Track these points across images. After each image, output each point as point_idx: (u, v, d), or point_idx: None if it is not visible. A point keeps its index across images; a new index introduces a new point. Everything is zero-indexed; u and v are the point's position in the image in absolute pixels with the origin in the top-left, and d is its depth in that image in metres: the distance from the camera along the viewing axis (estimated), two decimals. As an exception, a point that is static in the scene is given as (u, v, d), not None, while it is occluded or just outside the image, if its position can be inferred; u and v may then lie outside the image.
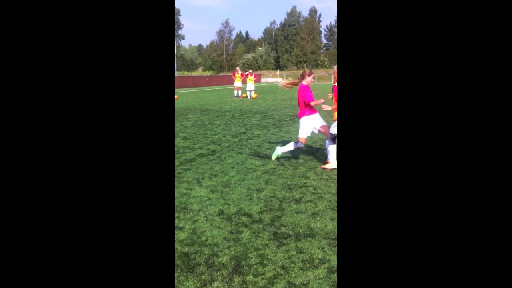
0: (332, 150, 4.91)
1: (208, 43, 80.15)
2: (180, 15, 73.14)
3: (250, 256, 2.56)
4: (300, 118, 5.10)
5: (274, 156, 5.28)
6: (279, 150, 5.25)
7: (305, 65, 67.19)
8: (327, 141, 4.97)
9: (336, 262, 2.47)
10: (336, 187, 4.15)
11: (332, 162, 4.91)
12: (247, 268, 2.40)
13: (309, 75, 5.05)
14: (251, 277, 2.29)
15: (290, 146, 5.21)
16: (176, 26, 67.43)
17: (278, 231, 2.96)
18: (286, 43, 71.39)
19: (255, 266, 2.42)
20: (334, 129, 4.82)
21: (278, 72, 51.99)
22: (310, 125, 5.07)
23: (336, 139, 4.94)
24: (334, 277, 2.30)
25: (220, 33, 75.81)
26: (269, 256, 2.56)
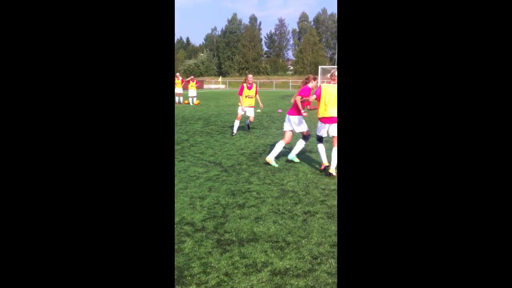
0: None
1: (147, 49, 77.62)
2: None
3: (193, 265, 2.51)
4: (287, 115, 5.47)
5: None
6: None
7: (247, 71, 68.10)
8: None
9: (278, 264, 2.52)
10: (278, 191, 4.25)
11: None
12: (189, 278, 2.35)
13: (314, 80, 5.38)
14: (194, 286, 2.25)
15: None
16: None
17: (222, 238, 2.94)
18: (228, 50, 71.83)
19: (198, 275, 2.38)
20: (325, 131, 5.06)
21: (220, 78, 52.02)
22: (292, 123, 5.40)
23: (322, 139, 5.24)
24: (277, 279, 2.34)
25: (160, 39, 73.86)
26: (212, 264, 2.53)
